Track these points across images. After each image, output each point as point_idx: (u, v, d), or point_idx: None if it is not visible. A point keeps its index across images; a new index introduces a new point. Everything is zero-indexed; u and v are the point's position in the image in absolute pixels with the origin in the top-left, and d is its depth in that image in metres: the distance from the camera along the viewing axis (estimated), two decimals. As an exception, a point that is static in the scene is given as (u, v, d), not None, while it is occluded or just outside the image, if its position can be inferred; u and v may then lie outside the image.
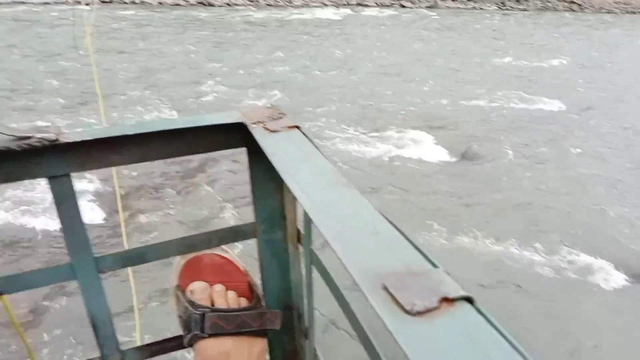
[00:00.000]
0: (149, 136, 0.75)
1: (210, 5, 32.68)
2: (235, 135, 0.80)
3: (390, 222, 0.52)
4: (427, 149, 8.89)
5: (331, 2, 37.26)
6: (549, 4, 42.88)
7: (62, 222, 0.78)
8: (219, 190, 7.36)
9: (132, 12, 26.63)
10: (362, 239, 0.49)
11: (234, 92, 12.29)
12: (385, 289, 0.40)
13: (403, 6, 38.37)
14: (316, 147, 0.72)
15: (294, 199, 0.87)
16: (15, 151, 0.68)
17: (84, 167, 0.74)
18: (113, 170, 5.65)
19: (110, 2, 29.22)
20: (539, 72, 15.84)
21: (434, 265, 0.44)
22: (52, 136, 0.69)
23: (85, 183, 7.05)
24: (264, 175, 0.84)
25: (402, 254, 0.46)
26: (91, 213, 6.45)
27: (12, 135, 0.68)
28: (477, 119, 10.94)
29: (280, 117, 0.80)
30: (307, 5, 35.55)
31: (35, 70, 13.40)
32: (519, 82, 14.37)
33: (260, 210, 0.89)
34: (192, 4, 32.39)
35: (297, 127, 0.77)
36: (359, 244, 0.48)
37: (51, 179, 0.74)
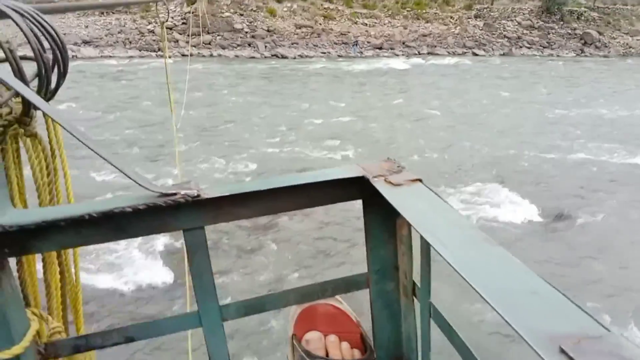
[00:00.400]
0: (276, 191, 0.79)
1: (284, 57, 33.71)
2: (353, 188, 0.83)
3: (547, 282, 0.51)
4: (513, 207, 8.19)
5: (402, 52, 37.44)
6: (631, 50, 40.77)
7: (192, 272, 0.83)
8: (286, 249, 7.01)
9: (215, 65, 27.86)
10: (523, 299, 0.48)
11: (308, 145, 12.16)
12: (564, 352, 0.38)
13: (475, 54, 37.86)
14: (445, 201, 0.72)
15: (409, 250, 0.88)
16: (160, 207, 0.73)
17: (216, 220, 0.78)
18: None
19: (191, 55, 30.79)
20: (632, 123, 14.67)
21: (607, 329, 0.42)
22: (194, 192, 0.74)
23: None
24: (379, 226, 0.85)
25: (570, 316, 0.45)
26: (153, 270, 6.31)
27: (159, 192, 0.74)
28: (567, 173, 10.08)
29: (400, 171, 0.82)
30: (378, 56, 35.92)
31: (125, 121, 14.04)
32: (610, 133, 13.31)
33: (373, 261, 0.90)
34: (266, 57, 33.58)
35: (420, 180, 0.79)
36: (522, 304, 0.47)
37: (186, 231, 0.79)
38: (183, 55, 31.04)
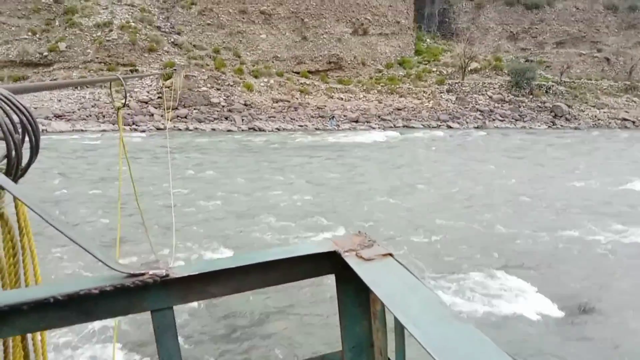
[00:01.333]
0: (246, 268, 0.79)
1: (261, 130, 33.54)
2: (325, 263, 0.83)
3: None
4: (524, 298, 7.39)
5: (378, 125, 37.79)
6: (600, 122, 42.13)
7: (161, 355, 0.80)
8: (259, 327, 6.00)
9: (191, 138, 27.34)
10: None
11: (284, 225, 11.34)
12: None
13: (450, 127, 38.47)
14: (416, 276, 0.73)
15: (383, 326, 0.87)
16: (128, 287, 0.73)
17: (185, 299, 0.78)
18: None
19: (164, 128, 30.30)
20: (627, 197, 14.38)
21: None
22: (162, 272, 0.74)
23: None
24: (353, 302, 0.84)
25: None
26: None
27: (127, 273, 0.73)
28: (578, 255, 9.42)
29: (371, 245, 0.82)
30: (355, 129, 36.12)
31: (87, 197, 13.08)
32: (609, 209, 12.91)
33: (347, 338, 0.88)
34: (243, 130, 33.35)
35: (391, 254, 0.79)
36: None
37: (154, 312, 0.77)
38: (158, 128, 30.56)
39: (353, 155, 23.12)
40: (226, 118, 34.96)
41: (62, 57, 38.15)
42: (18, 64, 36.98)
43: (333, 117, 37.67)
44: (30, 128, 0.90)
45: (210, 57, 41.73)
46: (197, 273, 0.76)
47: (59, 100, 33.48)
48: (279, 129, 34.19)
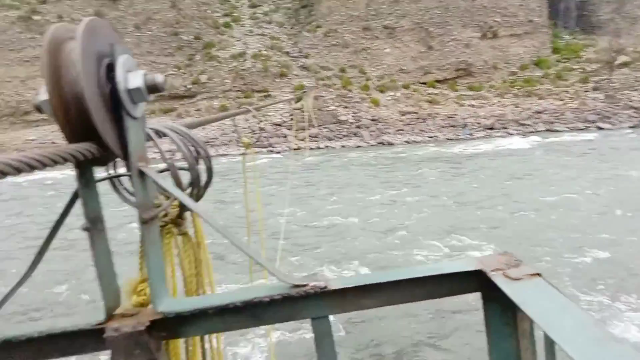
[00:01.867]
0: (396, 283, 0.83)
1: (390, 144, 33.16)
2: (471, 281, 0.84)
3: None
4: None
5: (516, 130, 35.34)
6: None
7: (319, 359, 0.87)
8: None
9: (322, 157, 27.88)
10: None
11: (425, 242, 10.71)
12: None
13: (600, 128, 34.67)
14: (567, 297, 0.72)
15: (532, 345, 0.86)
16: (293, 297, 0.82)
17: (341, 309, 0.84)
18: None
19: (298, 149, 31.28)
20: None
21: None
22: (322, 284, 0.82)
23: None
24: (500, 321, 0.85)
25: None
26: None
27: (291, 284, 0.82)
28: None
29: (518, 264, 0.82)
30: (490, 137, 34.13)
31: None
32: None
33: (495, 356, 0.88)
34: (372, 145, 33.25)
35: (539, 274, 0.78)
36: None
37: (314, 319, 0.84)
38: (292, 149, 31.66)
39: (492, 165, 21.69)
40: (355, 134, 35.19)
41: (204, 89, 41.52)
42: (167, 97, 40.98)
43: (466, 125, 36.05)
44: (205, 158, 1.07)
45: (336, 77, 42.57)
46: (351, 286, 0.82)
47: (203, 128, 36.35)
48: (408, 142, 33.53)
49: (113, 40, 0.76)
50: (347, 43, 45.07)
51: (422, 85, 43.06)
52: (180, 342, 1.03)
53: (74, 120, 0.70)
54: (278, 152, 30.98)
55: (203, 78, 41.90)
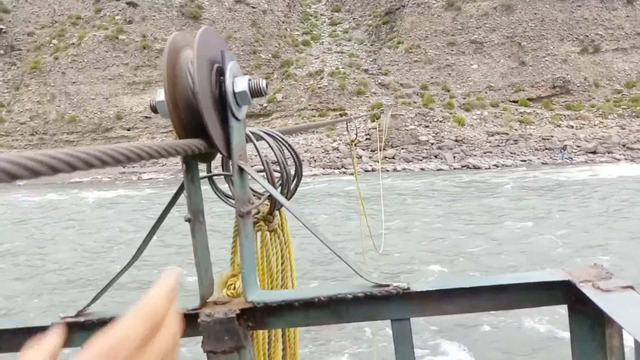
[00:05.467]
0: (478, 290, 0.82)
1: (476, 168, 29.99)
2: (557, 292, 0.82)
3: None
4: None
5: (623, 155, 30.85)
6: None
7: None
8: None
9: (400, 180, 25.42)
10: None
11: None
12: None
13: None
14: None
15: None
16: (375, 296, 0.83)
17: (422, 313, 0.84)
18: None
19: (373, 171, 29.03)
20: None
21: None
22: (404, 285, 0.81)
23: None
24: (587, 335, 0.82)
25: None
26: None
27: (374, 283, 0.83)
28: None
29: (610, 277, 0.79)
30: (592, 162, 29.98)
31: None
32: None
33: None
34: (455, 168, 30.28)
35: (632, 287, 0.76)
36: None
37: (394, 321, 0.85)
38: (366, 170, 29.51)
39: (600, 192, 18.24)
40: (435, 156, 32.38)
41: (279, 107, 40.57)
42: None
43: (564, 148, 32.08)
44: (296, 161, 1.18)
45: (417, 94, 40.06)
46: (433, 289, 0.81)
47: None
48: (497, 165, 30.18)
49: (222, 47, 0.83)
50: (430, 59, 42.45)
51: (513, 103, 39.36)
52: (264, 334, 1.10)
53: (186, 119, 0.78)
54: (351, 174, 28.90)
55: (279, 96, 41.05)
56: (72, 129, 38.99)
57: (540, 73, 40.50)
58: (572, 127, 36.11)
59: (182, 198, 0.88)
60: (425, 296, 0.82)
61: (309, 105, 40.27)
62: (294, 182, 1.21)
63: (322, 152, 34.09)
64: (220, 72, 0.80)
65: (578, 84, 40.60)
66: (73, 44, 42.75)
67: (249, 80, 0.82)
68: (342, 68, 43.21)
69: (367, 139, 33.55)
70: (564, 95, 40.09)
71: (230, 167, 0.92)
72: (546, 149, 32.72)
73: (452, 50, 42.37)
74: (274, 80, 42.84)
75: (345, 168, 31.03)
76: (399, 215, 15.89)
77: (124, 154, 0.51)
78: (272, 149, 1.13)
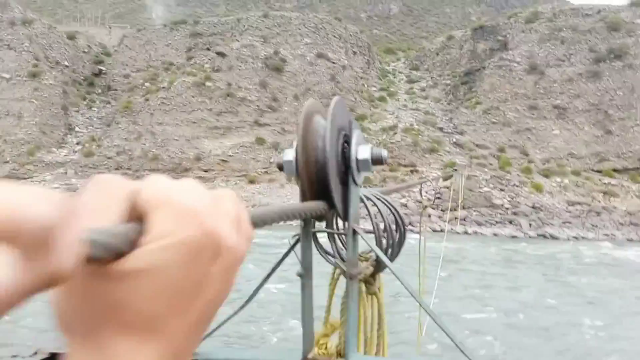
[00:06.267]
0: None
1: (554, 238, 28.37)
2: None
3: None
4: None
5: None
6: None
7: None
8: None
9: (472, 244, 24.47)
10: None
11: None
12: None
13: None
14: None
15: None
16: None
17: None
18: None
19: (441, 231, 28.13)
20: None
21: None
22: None
23: None
24: None
25: None
26: None
27: None
28: None
29: None
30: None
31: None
32: None
33: None
34: (531, 237, 28.79)
35: None
36: None
37: None
38: (434, 230, 28.70)
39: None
40: (510, 222, 31.01)
41: (351, 160, 40.83)
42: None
43: (653, 225, 29.78)
44: (399, 223, 1.18)
45: (493, 156, 39.02)
46: None
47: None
48: (576, 237, 28.39)
49: (350, 117, 0.87)
50: (509, 122, 41.48)
51: (597, 173, 37.33)
52: None
53: (312, 180, 0.81)
54: (418, 232, 28.18)
55: (352, 149, 41.36)
56: (154, 167, 41.16)
57: (627, 144, 38.37)
58: (662, 202, 33.61)
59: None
60: None
61: (381, 159, 40.23)
62: (398, 245, 1.20)
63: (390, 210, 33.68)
64: (346, 139, 0.83)
65: (670, 157, 38.02)
66: (164, 87, 45.79)
67: (372, 148, 0.84)
68: (417, 125, 43.15)
69: (437, 197, 32.82)
70: (654, 168, 37.59)
71: (334, 226, 0.96)
72: (632, 224, 30.50)
73: (533, 115, 41.24)
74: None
75: (412, 225, 30.37)
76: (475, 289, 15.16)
77: (262, 218, 0.51)
78: (381, 213, 1.13)
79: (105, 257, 0.29)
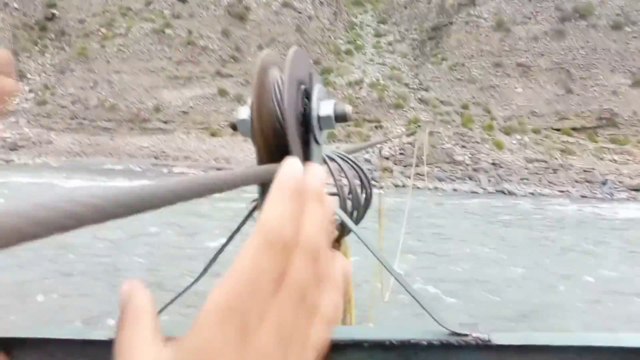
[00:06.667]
0: (566, 349, 0.74)
1: (511, 194, 29.02)
2: None
3: None
4: None
5: (670, 196, 29.37)
6: None
7: None
8: None
9: (432, 198, 24.77)
10: None
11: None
12: None
13: None
14: None
15: None
16: (451, 345, 0.76)
17: None
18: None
19: (403, 186, 28.42)
20: None
21: None
22: (485, 337, 0.74)
23: None
24: None
25: None
26: None
27: (451, 331, 0.76)
28: None
29: None
30: (635, 199, 28.64)
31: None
32: None
33: None
34: (489, 192, 29.36)
35: None
36: None
37: None
38: (396, 185, 28.89)
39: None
40: (470, 178, 31.51)
41: (315, 114, 40.40)
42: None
43: (605, 182, 30.77)
44: (366, 184, 1.16)
45: (457, 113, 39.24)
46: (516, 344, 0.73)
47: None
48: (533, 194, 29.12)
49: (310, 69, 0.76)
50: (474, 78, 41.57)
51: (556, 131, 38.11)
52: None
53: (269, 141, 0.73)
54: (380, 187, 28.34)
55: (316, 103, 40.88)
56: (111, 117, 39.64)
57: (587, 103, 39.14)
58: (615, 161, 34.66)
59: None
60: (505, 350, 0.72)
61: (346, 114, 39.97)
62: (364, 207, 1.18)
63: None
64: (306, 94, 0.73)
65: (626, 118, 39.04)
66: (120, 33, 43.61)
67: (335, 104, 0.73)
68: (383, 80, 42.75)
69: (400, 153, 32.94)
70: (610, 128, 38.59)
71: None
72: (587, 181, 31.46)
73: (497, 72, 41.42)
74: (312, 87, 42.75)
75: (375, 181, 30.48)
76: (429, 240, 15.31)
77: (209, 186, 0.47)
78: (345, 175, 1.12)
79: None
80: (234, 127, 0.73)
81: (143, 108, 39.81)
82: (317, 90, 0.73)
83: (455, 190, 29.46)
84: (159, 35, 42.78)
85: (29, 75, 44.59)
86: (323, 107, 0.72)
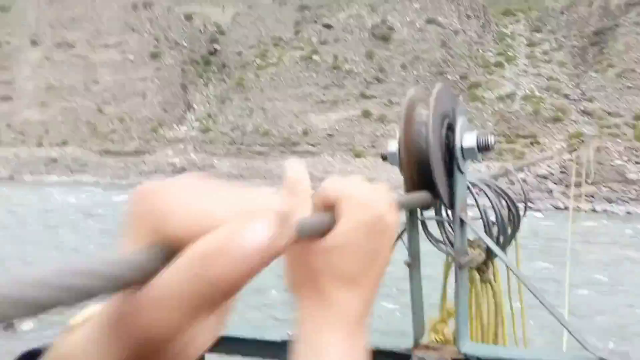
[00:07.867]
0: None
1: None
2: None
3: None
4: None
5: None
6: None
7: None
8: None
9: (601, 223, 21.97)
10: None
11: None
12: None
13: None
14: None
15: None
16: None
17: None
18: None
19: (565, 209, 25.67)
20: None
21: None
22: None
23: None
24: None
25: None
26: None
27: (598, 357, 0.76)
28: None
29: None
30: None
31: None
32: None
33: None
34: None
35: None
36: None
37: None
38: (556, 208, 26.25)
39: None
40: (648, 199, 27.44)
41: (462, 131, 38.73)
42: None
43: None
44: (512, 209, 1.14)
45: (628, 125, 34.66)
46: None
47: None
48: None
49: (454, 104, 0.86)
50: (649, 85, 36.47)
51: None
52: None
53: (415, 172, 0.82)
54: (538, 210, 25.93)
55: (464, 120, 39.18)
56: (265, 142, 42.31)
57: None
58: None
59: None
60: None
61: (495, 129, 37.62)
62: (510, 232, 1.16)
63: (507, 183, 31.43)
64: (450, 127, 0.80)
65: None
66: (273, 63, 46.59)
67: (478, 135, 0.81)
68: (538, 92, 39.59)
69: (562, 172, 29.94)
70: None
71: (443, 213, 0.95)
72: None
73: (680, 77, 35.87)
74: (459, 103, 41.13)
75: (531, 202, 28.03)
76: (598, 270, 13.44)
77: None
78: (490, 202, 1.10)
79: (313, 235, 0.43)
80: (384, 157, 0.87)
81: (293, 132, 41.85)
82: (460, 122, 0.81)
83: (629, 213, 25.84)
84: (307, 62, 44.81)
85: (195, 106, 49.76)
86: (466, 138, 0.80)
